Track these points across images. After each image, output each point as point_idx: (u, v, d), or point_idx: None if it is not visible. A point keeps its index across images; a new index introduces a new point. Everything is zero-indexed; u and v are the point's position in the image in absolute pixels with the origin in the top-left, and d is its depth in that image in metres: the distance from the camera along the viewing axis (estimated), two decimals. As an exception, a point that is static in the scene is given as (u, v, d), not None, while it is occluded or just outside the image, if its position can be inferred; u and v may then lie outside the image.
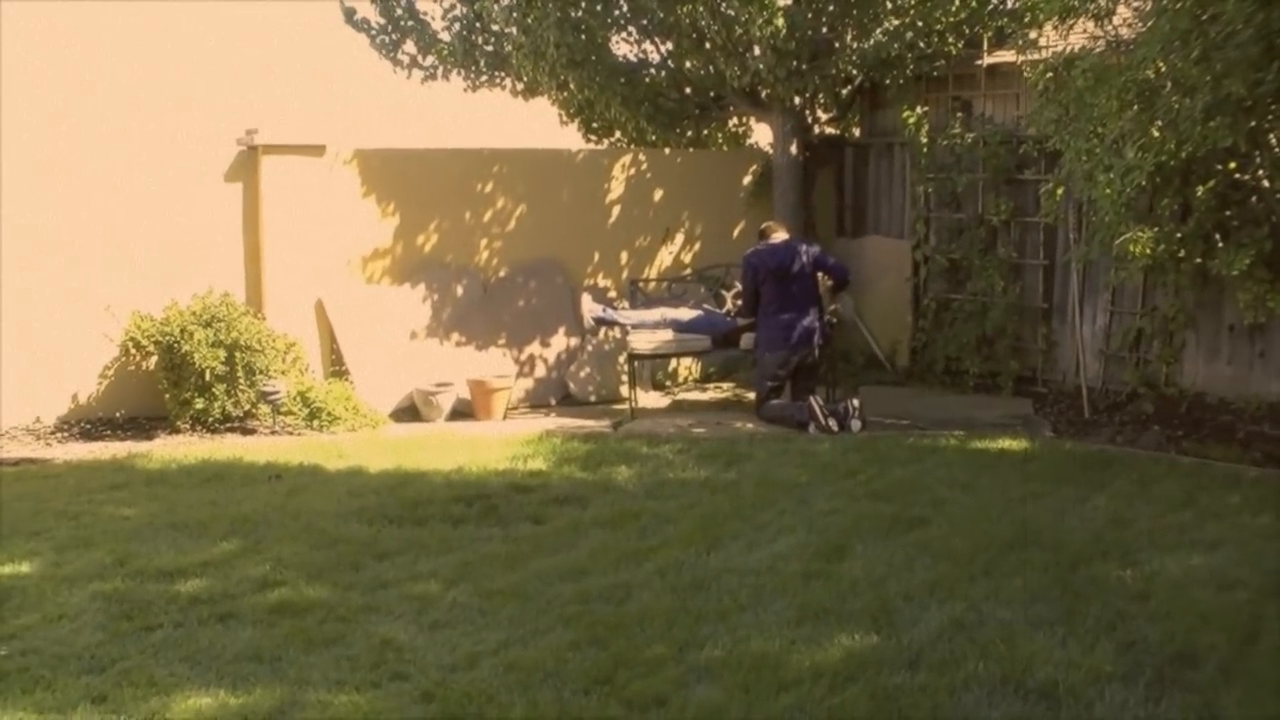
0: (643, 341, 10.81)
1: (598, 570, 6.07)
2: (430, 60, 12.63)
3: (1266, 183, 8.54)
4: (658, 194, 12.53)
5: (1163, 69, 8.13)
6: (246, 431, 9.97)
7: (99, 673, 4.90)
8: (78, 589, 5.84)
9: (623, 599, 5.65)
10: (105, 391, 10.24)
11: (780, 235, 10.53)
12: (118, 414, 10.23)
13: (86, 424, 10.11)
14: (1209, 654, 4.91)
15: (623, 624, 5.30)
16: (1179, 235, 9.10)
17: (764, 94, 11.59)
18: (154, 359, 10.04)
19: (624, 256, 12.36)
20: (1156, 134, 8.16)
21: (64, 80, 10.37)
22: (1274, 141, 8.27)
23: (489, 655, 5.01)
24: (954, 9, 10.87)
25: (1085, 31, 9.30)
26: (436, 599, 5.70)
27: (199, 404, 9.84)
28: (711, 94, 12.21)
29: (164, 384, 9.99)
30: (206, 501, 7.52)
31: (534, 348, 11.77)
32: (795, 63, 10.95)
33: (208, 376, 9.76)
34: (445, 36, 12.44)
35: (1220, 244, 9.00)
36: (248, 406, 10.05)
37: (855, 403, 9.88)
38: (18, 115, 10.01)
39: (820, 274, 10.48)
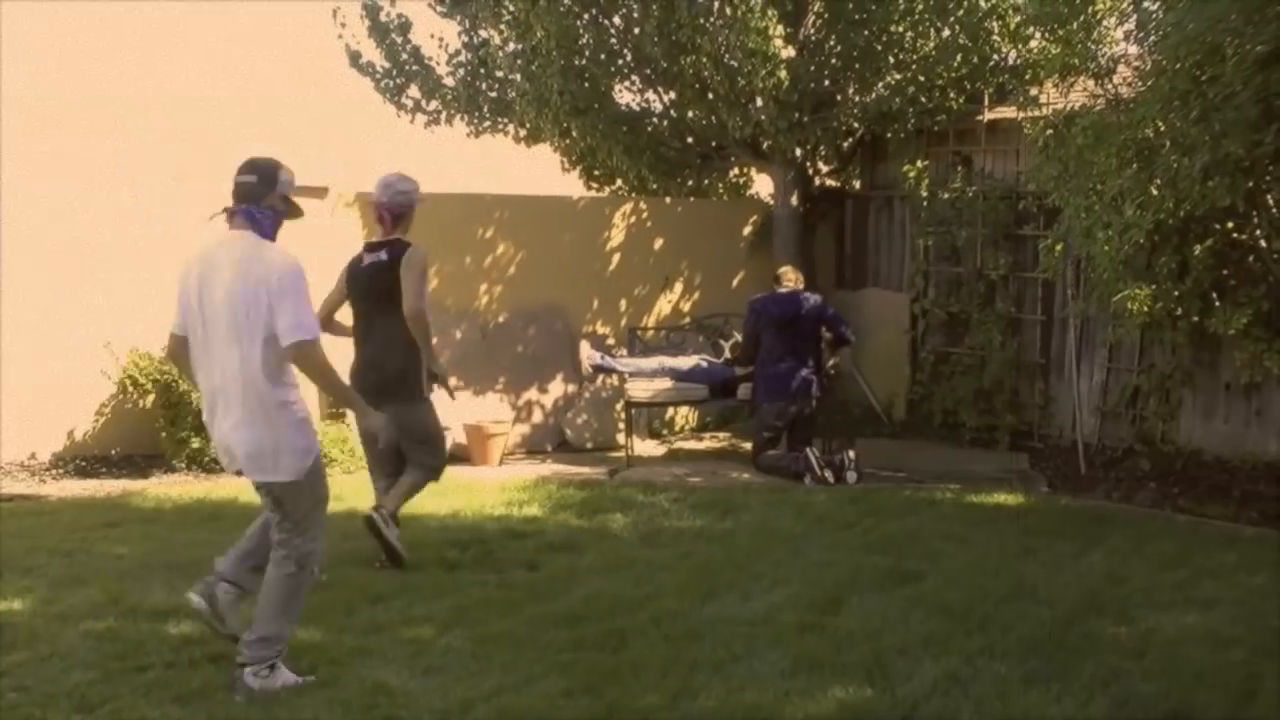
0: (640, 389, 10.82)
1: (592, 618, 6.05)
2: (434, 105, 12.70)
3: (1264, 243, 8.60)
4: (658, 242, 12.57)
5: (1162, 128, 8.20)
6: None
7: (89, 712, 4.88)
8: (70, 627, 5.82)
9: (617, 647, 5.63)
10: (101, 429, 10.24)
11: (789, 284, 10.49)
12: (113, 452, 10.23)
13: (82, 461, 10.10)
14: (1204, 713, 4.89)
15: (617, 672, 5.27)
16: (1176, 293, 9.14)
17: (765, 145, 11.65)
18: (151, 397, 10.04)
19: (623, 304, 12.38)
20: (1155, 192, 8.21)
21: (67, 116, 10.42)
22: (1271, 202, 8.33)
23: (482, 701, 4.99)
24: (955, 64, 10.95)
25: (1085, 90, 9.38)
26: (430, 644, 5.68)
27: (195, 443, 9.83)
28: (713, 144, 12.27)
29: (161, 422, 9.99)
30: (201, 541, 7.48)
31: (532, 393, 11.78)
32: (797, 115, 11.02)
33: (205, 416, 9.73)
34: (449, 82, 12.52)
35: (1217, 303, 9.05)
36: (244, 447, 10.02)
37: (851, 454, 9.88)
38: (19, 150, 10.06)
39: (823, 327, 10.48)
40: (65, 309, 10.05)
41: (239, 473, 5.23)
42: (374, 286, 7.01)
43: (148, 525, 8.02)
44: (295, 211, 5.50)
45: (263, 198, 5.40)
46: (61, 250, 10.08)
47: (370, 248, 7.18)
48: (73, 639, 5.67)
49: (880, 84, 11.21)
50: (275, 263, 5.13)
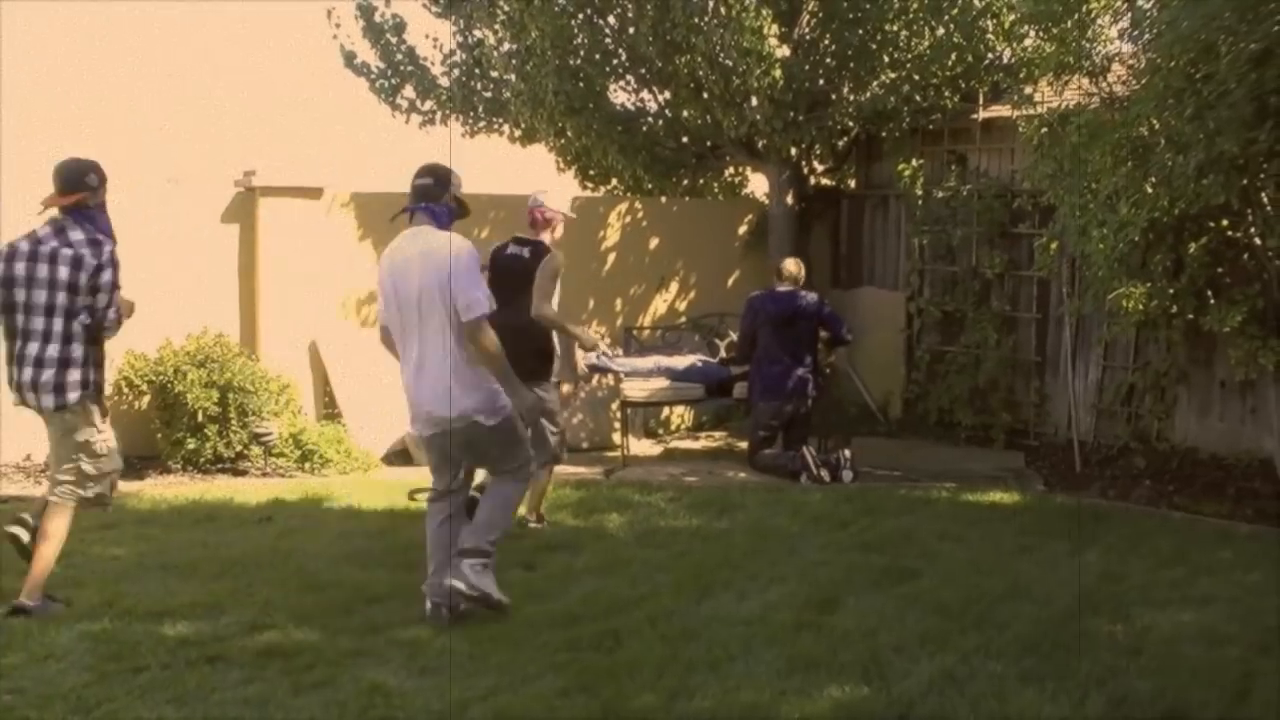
0: (636, 389, 10.81)
1: (588, 617, 6.04)
2: (429, 105, 12.70)
3: (1258, 240, 8.60)
4: (653, 242, 12.57)
5: (1156, 126, 8.21)
6: (238, 473, 9.95)
7: (85, 714, 4.87)
8: (65, 629, 5.80)
9: (613, 647, 5.63)
10: (97, 430, 10.20)
11: (789, 276, 10.40)
12: (109, 453, 10.19)
13: (77, 463, 10.06)
14: (1200, 710, 4.90)
15: (613, 672, 5.27)
16: (1171, 291, 9.15)
17: (761, 144, 11.65)
18: (147, 398, 10.03)
19: (619, 304, 12.38)
20: (1150, 190, 8.22)
21: (63, 118, 10.40)
22: (1266, 200, 8.34)
23: (478, 701, 4.99)
24: (950, 63, 10.95)
25: (1080, 88, 9.39)
26: (426, 644, 5.67)
27: (191, 444, 9.82)
28: (708, 143, 12.27)
29: (156, 424, 9.97)
30: (197, 542, 7.49)
31: (527, 393, 11.74)
32: (792, 114, 11.02)
33: (200, 417, 9.74)
34: (444, 82, 12.51)
35: (1212, 300, 9.06)
36: (240, 448, 10.02)
37: (847, 453, 9.88)
38: (16, 151, 10.03)
39: (820, 326, 10.44)
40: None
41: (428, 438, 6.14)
42: (510, 275, 7.72)
43: (143, 526, 8.01)
44: (464, 210, 6.31)
45: (439, 197, 6.11)
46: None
47: (517, 241, 8.05)
48: (68, 640, 5.65)
49: (875, 83, 11.22)
50: (454, 248, 5.88)
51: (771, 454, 10.25)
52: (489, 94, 12.38)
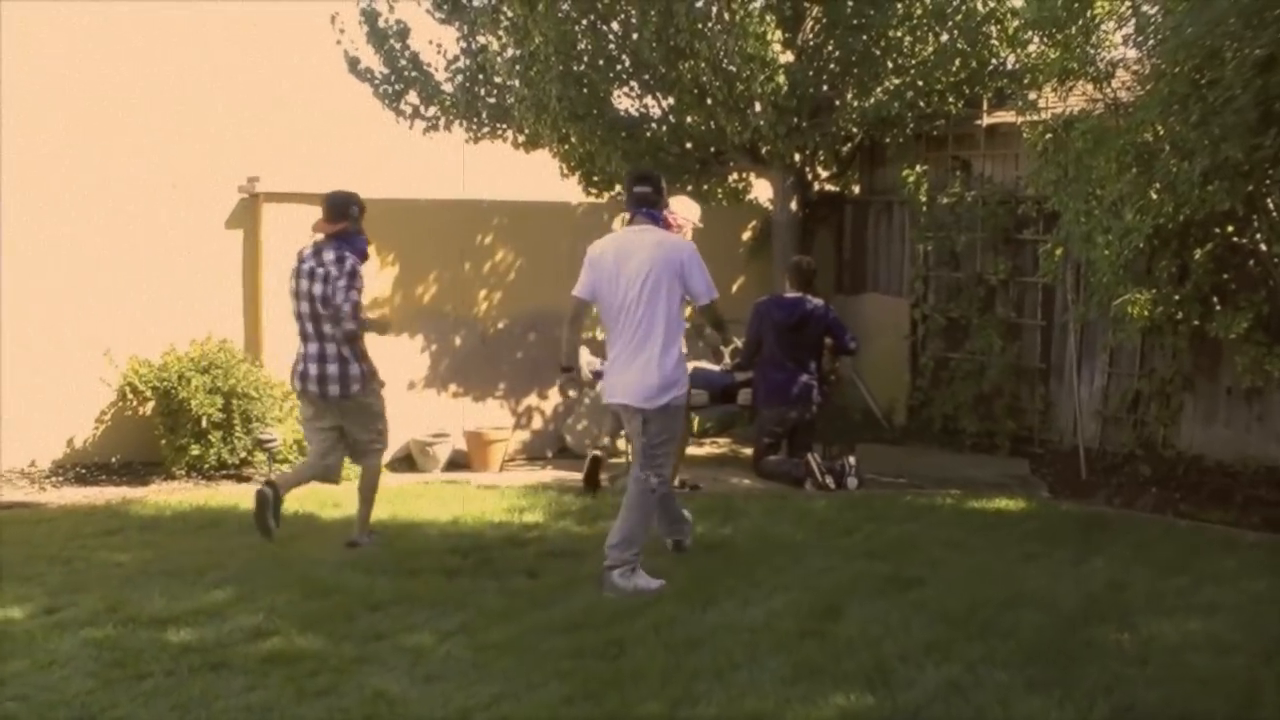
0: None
1: (592, 625, 6.04)
2: (432, 111, 12.67)
3: (1264, 246, 8.60)
4: (657, 248, 12.53)
5: (1161, 132, 8.21)
6: (242, 479, 9.95)
7: (88, 721, 4.87)
8: (69, 635, 5.80)
9: (617, 654, 5.62)
10: (101, 436, 10.23)
11: (799, 280, 10.41)
12: (113, 459, 10.21)
13: (82, 468, 10.08)
14: (1206, 719, 4.88)
15: (617, 680, 5.26)
16: (1177, 297, 9.14)
17: (764, 150, 11.63)
18: (151, 405, 10.03)
19: (623, 310, 12.33)
20: (1155, 196, 8.21)
21: (66, 125, 10.41)
22: (1271, 206, 8.33)
23: (482, 709, 4.98)
24: (954, 69, 10.94)
25: (1084, 94, 9.39)
26: (430, 651, 5.66)
27: (195, 450, 9.82)
28: (712, 149, 12.24)
29: (160, 430, 9.97)
30: (200, 549, 7.49)
31: (531, 399, 11.76)
32: (796, 120, 11.01)
33: (204, 423, 9.74)
34: (448, 88, 12.50)
35: (1218, 307, 9.05)
36: (244, 454, 10.02)
37: (852, 460, 9.87)
38: (18, 158, 10.04)
39: (825, 333, 10.41)
40: (65, 316, 10.04)
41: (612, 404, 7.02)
42: None
43: (147, 533, 8.01)
44: (665, 204, 7.30)
45: (656, 203, 7.03)
46: (61, 256, 10.07)
47: None
48: (71, 647, 5.65)
49: (879, 89, 11.19)
50: (683, 245, 6.99)
51: (776, 460, 10.24)
52: (493, 100, 12.36)
